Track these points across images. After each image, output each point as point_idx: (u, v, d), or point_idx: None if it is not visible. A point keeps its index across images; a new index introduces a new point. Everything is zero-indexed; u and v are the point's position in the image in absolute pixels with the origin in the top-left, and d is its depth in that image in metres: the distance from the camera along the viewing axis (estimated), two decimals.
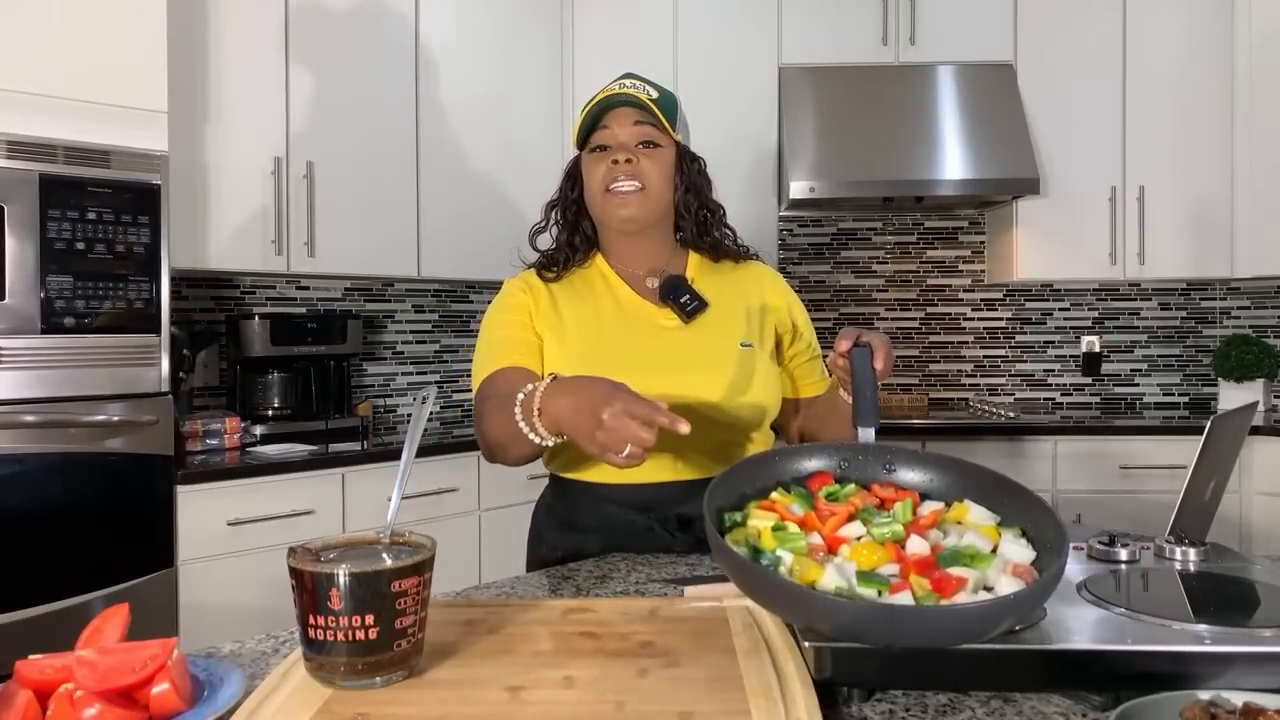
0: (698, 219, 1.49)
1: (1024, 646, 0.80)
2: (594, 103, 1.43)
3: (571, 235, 1.51)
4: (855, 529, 0.93)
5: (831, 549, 0.91)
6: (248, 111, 2.80)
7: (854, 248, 3.93)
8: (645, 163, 1.42)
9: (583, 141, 1.47)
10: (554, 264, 1.50)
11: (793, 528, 0.93)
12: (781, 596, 0.84)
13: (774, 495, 1.00)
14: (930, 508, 0.98)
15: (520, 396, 1.18)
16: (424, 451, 2.50)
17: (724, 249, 1.52)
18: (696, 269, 1.51)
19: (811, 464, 1.06)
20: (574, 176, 1.51)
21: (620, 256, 1.51)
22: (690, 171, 1.48)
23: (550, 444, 1.18)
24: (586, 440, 1.08)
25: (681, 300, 1.44)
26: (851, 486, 1.02)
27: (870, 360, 1.16)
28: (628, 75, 1.47)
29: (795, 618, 0.86)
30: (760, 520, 0.94)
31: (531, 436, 1.17)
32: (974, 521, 0.94)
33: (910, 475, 1.05)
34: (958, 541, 0.91)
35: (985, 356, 3.92)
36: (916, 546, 0.89)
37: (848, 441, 1.09)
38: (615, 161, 1.41)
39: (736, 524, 0.95)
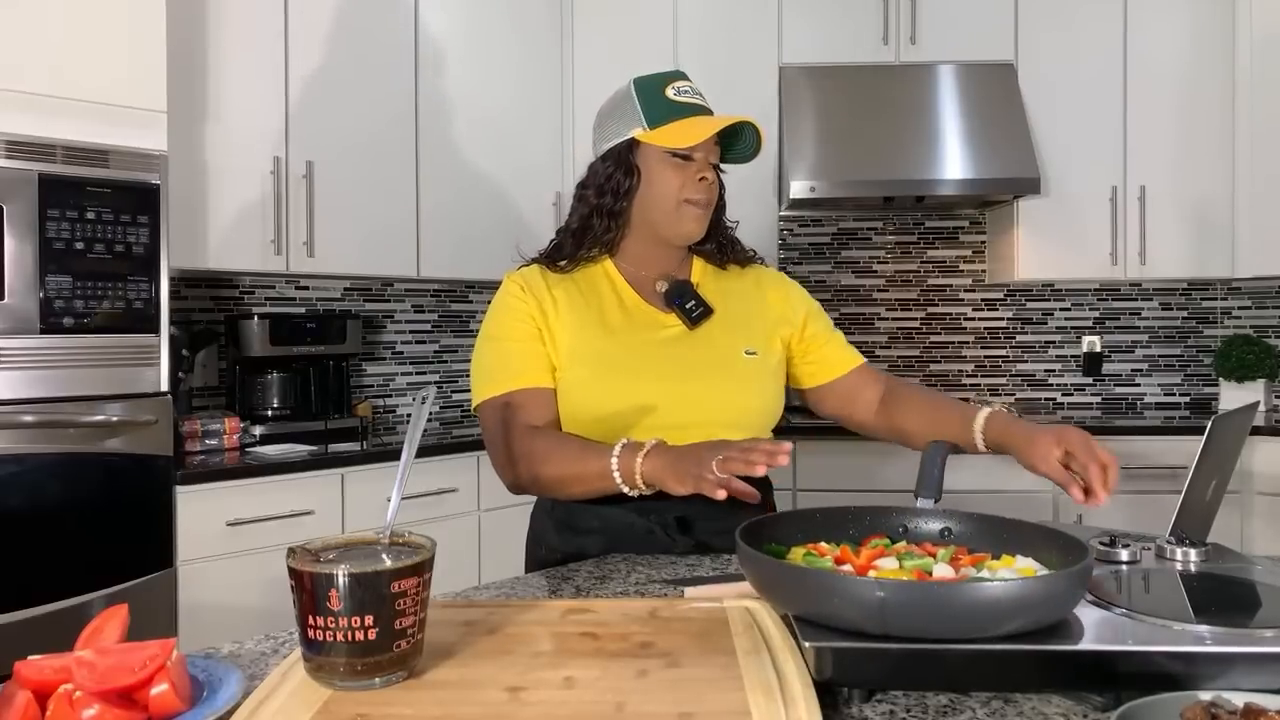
0: (714, 231, 1.50)
1: (1024, 646, 0.79)
2: (688, 104, 1.41)
3: (609, 223, 1.44)
4: (889, 563, 0.93)
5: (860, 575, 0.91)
6: (247, 111, 2.80)
7: (854, 248, 3.93)
8: (715, 184, 1.44)
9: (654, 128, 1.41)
10: (562, 253, 1.46)
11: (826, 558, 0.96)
12: (771, 576, 0.86)
13: (823, 544, 1.02)
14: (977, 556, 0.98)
15: (615, 460, 1.23)
16: (424, 451, 2.50)
17: (728, 254, 1.52)
18: (702, 274, 1.51)
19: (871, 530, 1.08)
20: (630, 167, 1.42)
21: (632, 259, 1.48)
22: (722, 188, 1.49)
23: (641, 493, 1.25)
24: (680, 481, 1.17)
25: (687, 306, 1.43)
26: (903, 543, 1.03)
27: (945, 449, 1.25)
28: (683, 77, 1.45)
29: (786, 599, 0.87)
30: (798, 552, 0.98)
31: (628, 491, 1.25)
32: (1017, 566, 0.94)
33: (965, 532, 1.06)
34: (991, 575, 0.90)
35: (986, 356, 3.92)
36: (942, 571, 0.90)
37: (911, 507, 1.12)
38: (703, 178, 1.41)
39: (779, 554, 0.97)
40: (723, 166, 1.49)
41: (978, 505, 1.11)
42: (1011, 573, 0.90)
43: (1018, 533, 1.00)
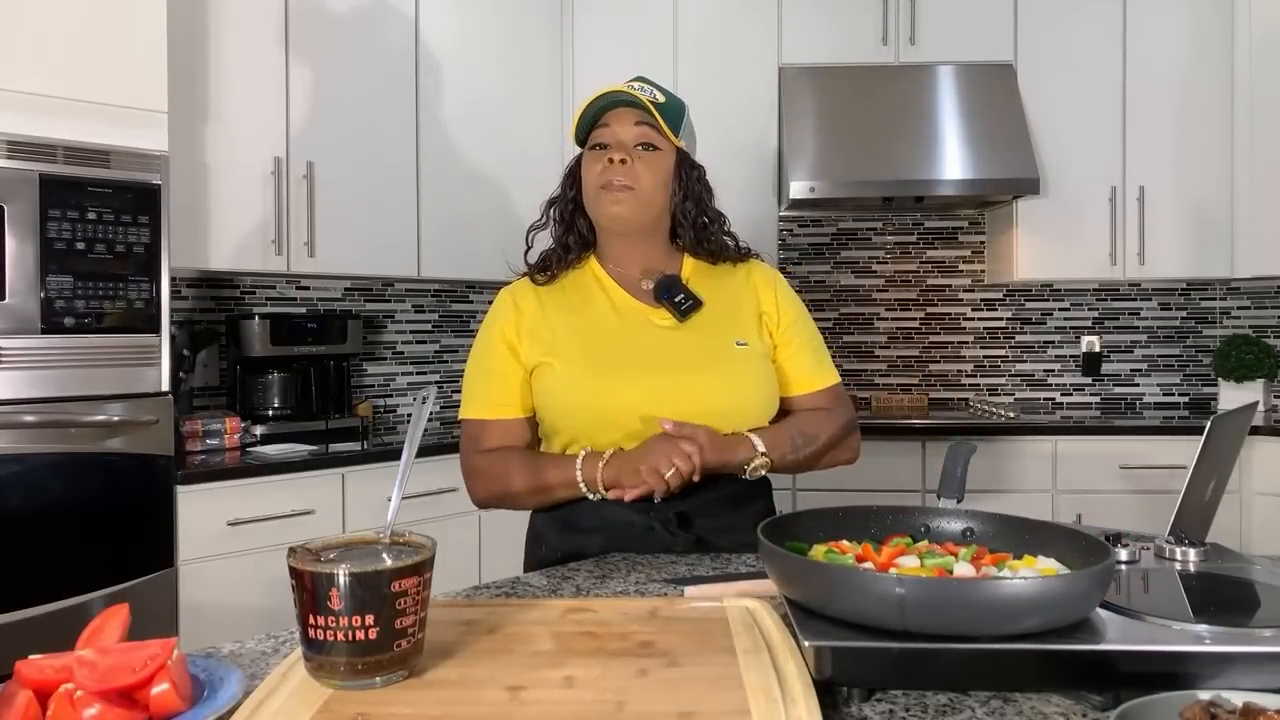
0: (696, 226, 1.49)
1: (1024, 646, 0.79)
2: (595, 98, 1.43)
3: (566, 234, 1.51)
4: (910, 560, 0.93)
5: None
6: (248, 111, 2.80)
7: (854, 248, 3.93)
8: (640, 165, 1.42)
9: (583, 138, 1.48)
10: (547, 266, 1.51)
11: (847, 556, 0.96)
12: (793, 572, 0.87)
13: (844, 542, 1.02)
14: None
15: (580, 470, 1.36)
16: (424, 451, 2.49)
17: (724, 255, 1.52)
18: (692, 270, 1.51)
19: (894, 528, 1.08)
20: (574, 175, 1.51)
21: (615, 258, 1.50)
22: (689, 179, 1.47)
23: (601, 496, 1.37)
24: (631, 478, 1.31)
25: (676, 299, 1.44)
26: (924, 542, 1.03)
27: (967, 450, 1.26)
28: (639, 78, 1.47)
29: (808, 594, 0.87)
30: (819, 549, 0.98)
31: (591, 495, 1.37)
32: (1039, 566, 0.94)
33: (987, 532, 1.06)
34: (1011, 574, 0.90)
35: (985, 356, 3.92)
36: (963, 570, 0.90)
37: (933, 506, 1.12)
38: (611, 160, 1.41)
39: (801, 550, 0.97)
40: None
41: (976, 504, 1.12)
42: (1033, 572, 0.90)
43: (1040, 533, 1.00)
